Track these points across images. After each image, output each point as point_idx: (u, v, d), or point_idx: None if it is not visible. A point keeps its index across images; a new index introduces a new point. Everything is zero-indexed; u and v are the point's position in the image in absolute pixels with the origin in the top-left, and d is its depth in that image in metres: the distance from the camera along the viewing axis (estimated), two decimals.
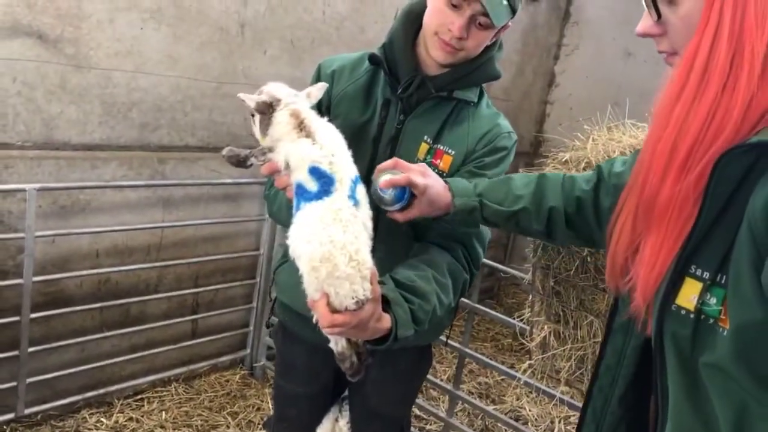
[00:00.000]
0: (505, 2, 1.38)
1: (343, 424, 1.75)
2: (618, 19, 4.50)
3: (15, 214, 2.54)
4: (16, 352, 2.56)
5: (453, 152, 1.52)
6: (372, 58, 1.53)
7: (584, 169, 2.38)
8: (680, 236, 0.85)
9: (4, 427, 2.64)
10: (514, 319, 2.67)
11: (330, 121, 1.44)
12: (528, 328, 2.49)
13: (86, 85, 2.60)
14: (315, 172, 1.23)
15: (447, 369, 3.76)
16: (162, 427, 2.89)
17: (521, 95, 4.78)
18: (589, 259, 2.15)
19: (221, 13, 2.90)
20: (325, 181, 1.22)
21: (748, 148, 0.78)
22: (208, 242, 3.19)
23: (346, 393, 1.81)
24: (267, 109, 1.31)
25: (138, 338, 3.04)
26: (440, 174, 1.50)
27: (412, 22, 1.51)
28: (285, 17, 3.14)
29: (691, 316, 0.85)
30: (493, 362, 2.91)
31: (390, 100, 1.52)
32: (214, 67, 2.97)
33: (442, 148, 1.52)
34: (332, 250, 1.17)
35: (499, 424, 3.27)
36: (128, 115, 2.77)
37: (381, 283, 1.29)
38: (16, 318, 2.53)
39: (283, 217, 1.52)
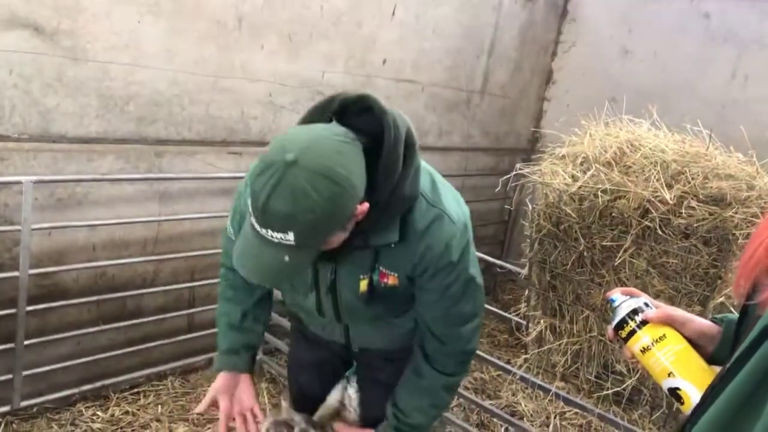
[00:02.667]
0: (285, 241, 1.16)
1: (353, 392, 1.81)
2: (615, 17, 4.51)
3: (11, 206, 2.54)
4: (11, 345, 2.56)
5: (396, 274, 1.44)
6: None
7: (581, 164, 2.39)
8: None
9: (0, 419, 2.63)
10: (510, 313, 2.69)
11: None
12: (524, 322, 2.50)
13: (83, 78, 2.60)
14: None
15: None
16: (158, 420, 2.89)
17: (519, 92, 4.79)
18: (585, 253, 2.16)
19: (219, 7, 2.90)
20: None
21: None
22: (205, 236, 3.19)
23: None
24: None
25: (134, 332, 3.04)
26: (391, 288, 1.46)
27: None
28: (282, 11, 3.13)
29: None
30: (488, 356, 2.92)
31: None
32: (212, 61, 2.97)
33: (384, 270, 1.43)
34: None
35: (495, 420, 3.27)
36: (125, 108, 2.76)
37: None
38: (12, 310, 2.52)
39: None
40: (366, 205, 1.23)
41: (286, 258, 1.18)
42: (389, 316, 1.60)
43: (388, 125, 1.24)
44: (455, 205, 1.44)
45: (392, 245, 1.37)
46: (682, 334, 1.13)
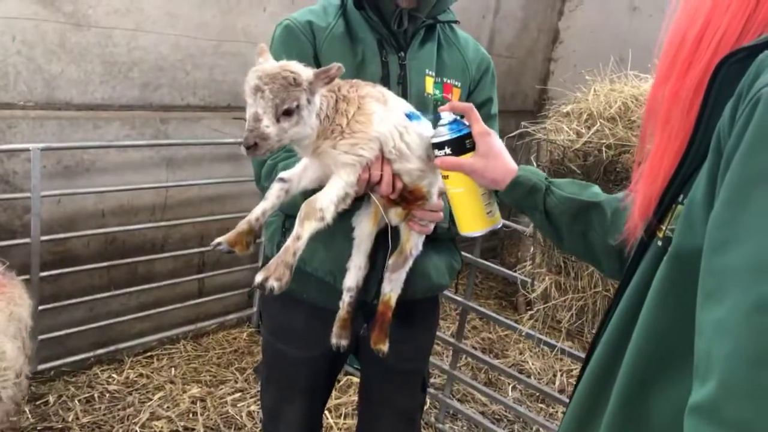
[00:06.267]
0: None
1: None
2: None
3: (20, 174, 2.57)
4: None
5: (459, 84, 1.56)
6: (357, 2, 1.51)
7: (585, 120, 2.38)
8: (681, 148, 0.74)
9: None
10: (515, 271, 2.70)
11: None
12: (529, 280, 2.52)
13: (86, 44, 2.60)
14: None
15: (451, 325, 3.81)
16: (172, 382, 2.96)
17: (525, 52, 4.73)
18: None
19: None
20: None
21: (744, 53, 0.67)
22: (213, 202, 3.21)
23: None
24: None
25: (146, 297, 3.09)
26: None
27: None
28: None
29: (659, 243, 0.76)
30: (495, 315, 2.95)
31: (382, 39, 1.51)
32: (214, 25, 2.95)
33: (449, 81, 1.55)
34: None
35: (503, 377, 3.32)
36: (129, 74, 2.76)
37: None
38: (26, 276, 2.56)
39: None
40: None
41: None
42: None
43: None
44: None
45: (449, 25, 1.58)
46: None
